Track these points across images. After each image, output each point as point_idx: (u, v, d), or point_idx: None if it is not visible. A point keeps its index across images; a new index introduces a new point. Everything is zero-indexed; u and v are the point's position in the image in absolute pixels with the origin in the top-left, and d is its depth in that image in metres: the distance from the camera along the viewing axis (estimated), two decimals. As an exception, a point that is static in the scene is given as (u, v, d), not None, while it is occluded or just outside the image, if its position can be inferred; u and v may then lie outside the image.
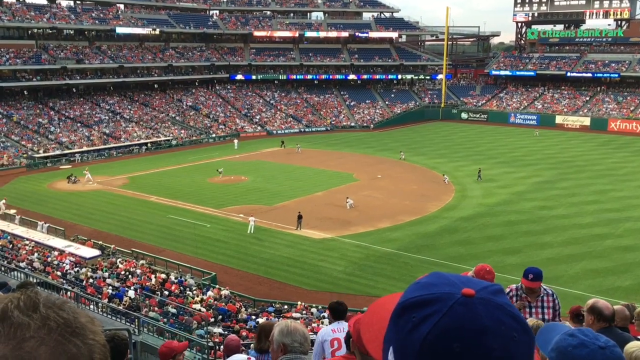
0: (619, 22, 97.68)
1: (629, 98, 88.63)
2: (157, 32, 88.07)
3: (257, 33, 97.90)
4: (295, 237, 36.99)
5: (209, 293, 26.97)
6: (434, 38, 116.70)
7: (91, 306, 19.91)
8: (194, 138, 76.61)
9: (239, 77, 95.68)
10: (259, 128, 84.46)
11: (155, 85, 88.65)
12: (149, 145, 71.06)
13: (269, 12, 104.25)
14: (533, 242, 34.77)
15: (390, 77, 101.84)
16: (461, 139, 75.56)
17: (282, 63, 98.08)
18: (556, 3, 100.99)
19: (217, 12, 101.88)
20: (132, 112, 79.94)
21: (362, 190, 47.86)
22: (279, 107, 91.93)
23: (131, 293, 24.70)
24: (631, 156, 62.82)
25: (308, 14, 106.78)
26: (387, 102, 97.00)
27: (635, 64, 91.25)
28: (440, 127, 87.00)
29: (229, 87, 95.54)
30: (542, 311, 6.29)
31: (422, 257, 32.78)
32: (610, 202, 43.61)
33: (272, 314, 24.80)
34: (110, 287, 25.32)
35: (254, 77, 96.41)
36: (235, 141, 72.11)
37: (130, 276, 28.10)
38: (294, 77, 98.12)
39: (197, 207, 43.53)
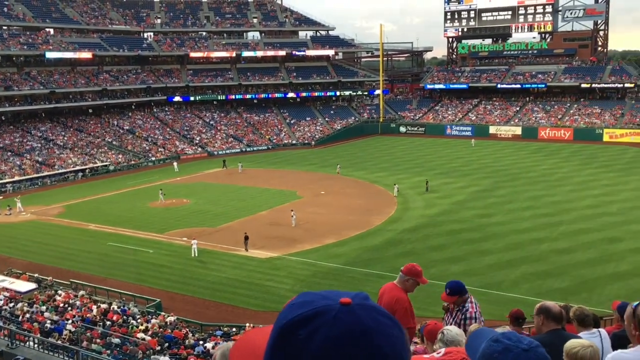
0: (543, 35, 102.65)
1: (556, 107, 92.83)
2: (90, 55, 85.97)
3: (193, 54, 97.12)
4: (241, 257, 36.59)
5: (154, 320, 26.22)
6: (369, 54, 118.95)
7: (29, 343, 19.01)
8: (133, 162, 74.91)
9: (177, 98, 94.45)
10: (200, 149, 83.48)
11: (90, 110, 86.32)
12: (85, 171, 68.97)
13: (204, 33, 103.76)
14: (474, 250, 35.66)
15: (328, 94, 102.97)
16: (401, 152, 77.03)
17: (220, 83, 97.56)
18: (484, 18, 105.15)
19: (152, 34, 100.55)
20: (66, 138, 77.47)
21: (307, 207, 47.92)
22: (219, 128, 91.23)
23: (70, 326, 23.73)
24: (561, 162, 65.66)
25: (244, 33, 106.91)
26: (327, 119, 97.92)
27: (560, 74, 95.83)
28: (380, 141, 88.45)
29: (166, 109, 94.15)
30: (452, 320, 6.44)
31: (369, 271, 33.03)
32: (545, 207, 45.36)
33: (221, 337, 24.36)
34: (48, 321, 24.25)
35: (192, 98, 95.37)
36: (175, 164, 70.99)
37: (69, 308, 27.02)
38: (233, 97, 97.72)
39: (138, 233, 42.45)
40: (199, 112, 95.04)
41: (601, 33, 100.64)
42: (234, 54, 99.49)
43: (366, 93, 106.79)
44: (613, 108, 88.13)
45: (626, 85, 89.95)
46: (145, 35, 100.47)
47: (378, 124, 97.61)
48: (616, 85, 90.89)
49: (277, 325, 1.32)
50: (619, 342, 5.06)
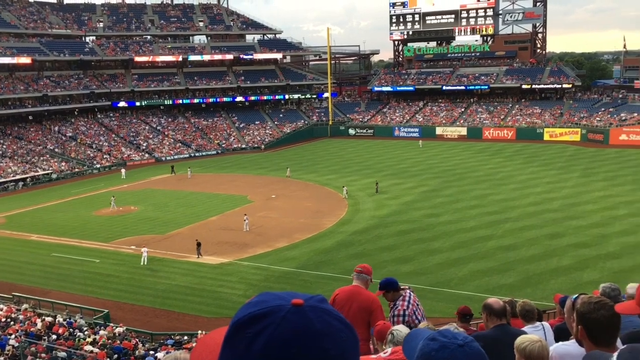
0: (485, 37, 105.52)
1: (499, 107, 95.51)
2: (29, 60, 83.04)
3: (138, 58, 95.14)
4: (191, 264, 36.05)
5: (102, 332, 25.52)
6: (317, 58, 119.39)
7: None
8: (77, 170, 72.72)
9: (122, 104, 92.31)
10: (147, 155, 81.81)
11: (30, 117, 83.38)
12: (26, 180, 66.51)
13: (149, 37, 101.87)
14: (424, 249, 36.27)
15: (277, 97, 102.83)
16: (350, 155, 77.60)
17: (166, 88, 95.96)
18: (428, 22, 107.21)
19: (94, 37, 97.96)
20: (5, 146, 74.55)
21: (258, 211, 47.67)
22: (166, 133, 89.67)
23: (14, 341, 22.82)
24: (505, 161, 67.58)
25: (190, 37, 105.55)
26: (276, 122, 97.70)
27: (502, 76, 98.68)
28: (330, 144, 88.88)
29: (111, 115, 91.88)
30: (389, 318, 6.48)
31: (321, 273, 33.12)
32: (490, 205, 46.57)
33: (172, 346, 23.93)
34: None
35: (137, 103, 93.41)
36: (123, 170, 69.32)
37: (12, 322, 25.99)
38: (180, 101, 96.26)
39: (84, 243, 41.23)
40: (145, 118, 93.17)
41: (540, 36, 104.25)
42: (180, 58, 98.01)
43: (315, 96, 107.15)
44: (552, 108, 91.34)
45: (564, 85, 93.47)
46: (87, 39, 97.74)
47: (327, 127, 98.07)
48: (555, 85, 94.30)
49: (230, 323, 1.33)
50: (561, 334, 5.26)
